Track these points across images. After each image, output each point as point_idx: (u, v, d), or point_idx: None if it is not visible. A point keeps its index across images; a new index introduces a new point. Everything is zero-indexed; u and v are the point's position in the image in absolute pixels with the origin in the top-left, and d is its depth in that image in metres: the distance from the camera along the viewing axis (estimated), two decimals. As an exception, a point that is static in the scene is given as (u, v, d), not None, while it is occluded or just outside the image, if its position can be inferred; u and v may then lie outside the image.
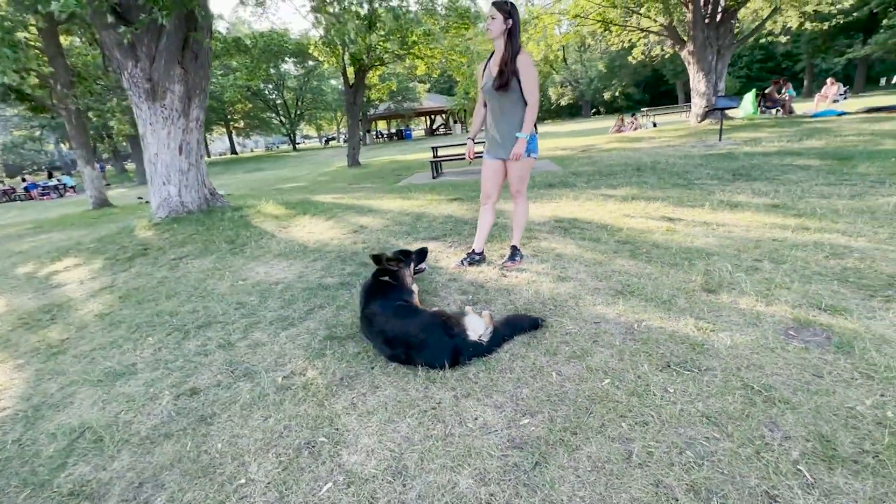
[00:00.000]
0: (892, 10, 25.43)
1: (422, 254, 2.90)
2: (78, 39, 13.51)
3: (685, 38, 14.19)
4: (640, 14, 15.39)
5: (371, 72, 16.05)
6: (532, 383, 1.88)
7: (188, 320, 2.88)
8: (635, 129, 16.13)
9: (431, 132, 40.26)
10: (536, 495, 1.35)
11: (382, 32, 11.95)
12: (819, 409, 1.56)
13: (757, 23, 15.85)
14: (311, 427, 1.75)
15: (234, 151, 44.31)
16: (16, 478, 1.66)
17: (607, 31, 17.39)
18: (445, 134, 37.47)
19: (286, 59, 17.67)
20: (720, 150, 8.21)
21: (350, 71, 14.48)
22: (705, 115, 13.61)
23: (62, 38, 11.46)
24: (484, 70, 3.01)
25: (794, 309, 2.22)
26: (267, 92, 37.92)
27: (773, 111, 14.44)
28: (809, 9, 14.89)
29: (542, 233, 3.98)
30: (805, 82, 34.04)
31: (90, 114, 15.34)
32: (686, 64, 14.48)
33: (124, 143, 29.59)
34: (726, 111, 11.48)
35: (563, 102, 47.58)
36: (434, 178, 9.69)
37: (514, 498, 1.35)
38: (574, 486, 1.36)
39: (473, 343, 2.05)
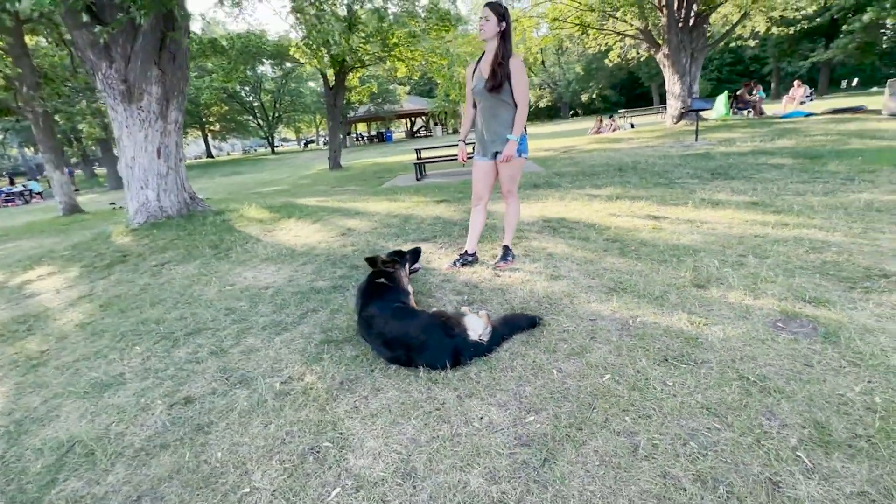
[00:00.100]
0: (850, 16, 26.65)
1: (416, 254, 2.89)
2: (44, 40, 12.99)
3: (660, 42, 14.57)
4: (617, 18, 15.73)
5: (351, 74, 15.95)
6: (534, 381, 1.89)
7: (176, 328, 2.80)
8: (614, 130, 16.46)
9: (412, 134, 40.21)
10: (548, 491, 1.36)
11: (363, 34, 11.89)
12: (812, 397, 1.62)
13: (727, 27, 16.39)
14: (313, 432, 1.72)
15: (210, 155, 43.29)
16: (2, 497, 1.58)
17: (585, 35, 17.71)
18: (426, 136, 37.48)
19: (264, 60, 17.36)
20: (697, 150, 8.44)
21: (330, 73, 14.35)
22: (681, 117, 13.99)
23: (27, 38, 11.01)
24: (474, 72, 3.02)
25: (781, 302, 2.30)
26: (243, 94, 37.21)
27: (745, 112, 14.94)
28: (776, 14, 15.51)
29: (531, 233, 4.01)
30: (772, 85, 35.32)
31: (57, 117, 14.77)
32: (661, 67, 14.86)
33: (94, 147, 28.60)
34: (701, 112, 11.81)
35: (542, 104, 48.14)
36: (418, 179, 9.67)
37: (525, 495, 1.35)
38: (584, 481, 1.38)
39: (474, 343, 2.05)
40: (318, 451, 1.62)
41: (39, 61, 12.14)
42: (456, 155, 9.51)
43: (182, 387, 2.14)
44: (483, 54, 2.97)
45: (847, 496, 1.23)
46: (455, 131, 37.50)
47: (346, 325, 2.57)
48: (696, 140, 9.77)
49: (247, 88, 36.45)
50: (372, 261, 2.53)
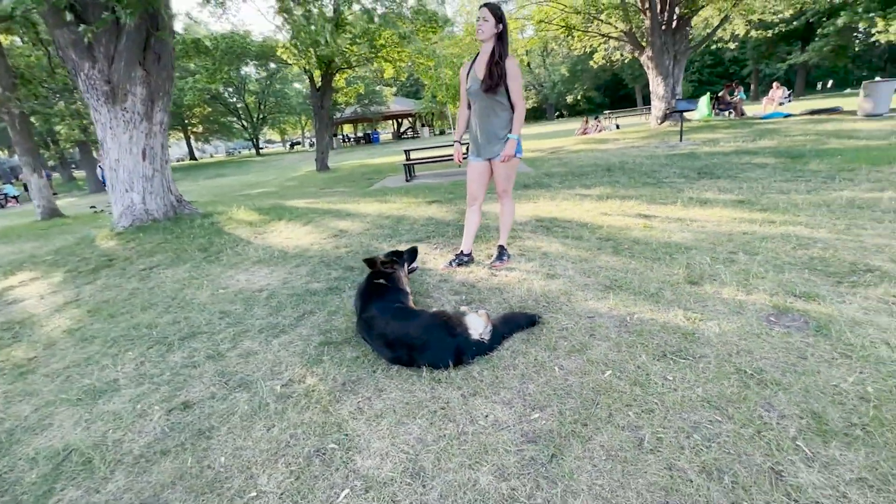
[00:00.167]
0: (825, 20, 27.48)
1: (413, 253, 2.89)
2: (20, 39, 12.63)
3: (644, 44, 14.80)
4: (601, 20, 15.93)
5: (338, 75, 15.86)
6: (537, 378, 1.91)
7: (170, 332, 2.75)
8: (600, 130, 16.67)
9: (399, 136, 40.12)
10: (557, 486, 1.37)
11: (350, 35, 11.84)
12: (808, 388, 1.66)
13: (708, 30, 16.75)
14: (318, 434, 1.71)
15: (192, 157, 42.53)
16: (-3, 508, 1.54)
17: (570, 37, 17.89)
18: (413, 137, 37.45)
19: (249, 61, 17.16)
20: (682, 150, 8.60)
21: (317, 74, 14.24)
22: (665, 117, 14.24)
23: (2, 38, 10.69)
24: (468, 72, 3.03)
25: (772, 297, 2.36)
26: (227, 95, 36.68)
27: (727, 113, 15.29)
28: (755, 17, 15.90)
29: (525, 232, 4.04)
30: (752, 86, 36.17)
31: (34, 118, 14.38)
32: (645, 69, 15.10)
33: (71, 150, 27.88)
34: (684, 113, 12.04)
35: (528, 105, 48.48)
36: (408, 181, 9.65)
37: (535, 490, 1.36)
38: (592, 475, 1.40)
39: (476, 342, 2.06)
40: (323, 453, 1.61)
41: (15, 61, 11.80)
42: (444, 156, 9.51)
43: (180, 392, 2.10)
44: (477, 55, 2.98)
45: (847, 482, 1.27)
46: (442, 132, 37.57)
47: (345, 326, 2.56)
48: (681, 140, 9.95)
49: (230, 89, 35.94)
50: (371, 262, 2.53)
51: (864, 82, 11.22)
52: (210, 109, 35.91)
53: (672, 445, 1.47)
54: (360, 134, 42.40)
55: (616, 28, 15.73)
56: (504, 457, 1.50)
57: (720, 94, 15.87)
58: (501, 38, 2.75)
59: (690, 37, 15.17)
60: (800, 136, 8.66)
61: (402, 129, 41.01)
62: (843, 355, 1.83)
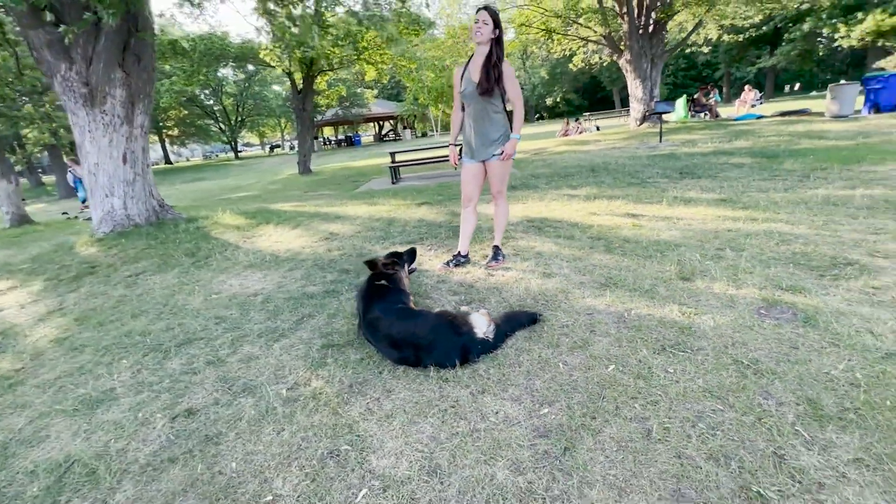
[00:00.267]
0: (791, 25, 28.64)
1: (412, 254, 2.90)
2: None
3: (622, 48, 15.14)
4: (580, 24, 16.23)
5: (320, 77, 15.74)
6: (542, 375, 1.95)
7: (164, 339, 2.69)
8: (581, 132, 16.95)
9: (380, 138, 39.97)
10: (572, 478, 1.41)
11: (331, 36, 11.77)
12: (801, 376, 1.75)
13: (683, 34, 17.24)
14: (330, 436, 1.70)
15: (168, 161, 41.45)
16: (-2, 523, 1.49)
17: (550, 40, 18.17)
18: (395, 140, 37.34)
19: (228, 63, 16.87)
20: (662, 150, 8.83)
21: (298, 76, 14.10)
22: (644, 119, 14.58)
23: (-34, 38, 10.24)
24: (462, 75, 3.06)
25: (761, 290, 2.46)
26: (203, 97, 35.90)
27: (702, 115, 15.75)
28: (727, 22, 16.44)
29: (517, 232, 4.10)
30: (724, 89, 37.38)
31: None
32: (624, 72, 15.44)
33: (39, 155, 26.86)
34: (662, 115, 12.36)
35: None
36: (394, 183, 9.64)
37: (552, 483, 1.40)
38: (605, 466, 1.44)
39: (481, 340, 2.09)
40: (337, 455, 1.61)
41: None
42: (431, 158, 9.51)
43: (181, 399, 2.06)
44: (471, 58, 3.02)
45: (845, 463, 1.35)
46: (424, 135, 37.57)
47: (346, 329, 2.55)
48: (661, 141, 10.21)
49: (207, 91, 35.20)
50: (372, 263, 2.53)
51: (830, 85, 11.73)
52: (186, 112, 35.08)
53: (679, 434, 1.53)
54: (341, 136, 42.06)
55: (595, 32, 16.05)
56: (518, 451, 1.53)
57: (696, 97, 16.35)
58: (499, 41, 2.80)
59: (666, 41, 15.60)
60: (773, 136, 9.00)
61: (383, 132, 40.85)
62: (831, 344, 1.92)
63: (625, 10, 14.11)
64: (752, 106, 15.90)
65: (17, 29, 5.62)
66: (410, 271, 2.87)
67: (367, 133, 48.15)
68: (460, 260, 3.31)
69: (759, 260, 2.87)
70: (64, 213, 12.45)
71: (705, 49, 21.62)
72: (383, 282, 2.47)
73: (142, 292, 3.64)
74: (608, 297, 2.59)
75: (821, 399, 1.61)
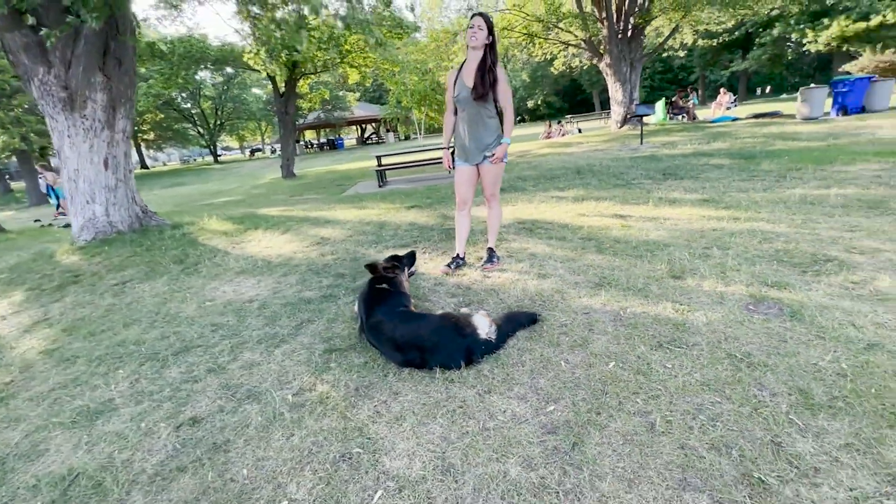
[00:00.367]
0: (762, 30, 29.67)
1: (412, 257, 2.93)
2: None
3: (602, 52, 15.45)
4: (561, 29, 16.50)
5: (302, 80, 15.61)
6: (545, 373, 2.00)
7: (160, 347, 2.65)
8: (563, 134, 17.22)
9: (363, 141, 39.79)
10: (583, 472, 1.45)
11: (314, 39, 11.69)
12: (792, 368, 1.84)
13: (660, 39, 17.69)
14: (340, 440, 1.72)
15: (144, 165, 40.42)
16: (4, 540, 1.46)
17: (531, 44, 18.42)
18: (378, 143, 37.23)
19: (208, 66, 16.60)
20: (644, 152, 9.05)
21: (280, 79, 13.96)
22: (624, 121, 14.90)
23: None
24: (455, 80, 3.10)
25: (748, 287, 2.56)
26: (180, 101, 35.15)
27: (680, 117, 16.18)
28: (702, 28, 16.94)
29: (509, 234, 4.16)
30: (699, 91, 38.44)
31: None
32: (604, 75, 15.75)
33: (6, 161, 25.86)
34: (642, 117, 12.67)
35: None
36: (381, 186, 9.63)
37: (563, 477, 1.44)
38: (613, 460, 1.49)
39: (484, 341, 2.13)
40: (349, 458, 1.62)
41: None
42: (419, 161, 9.52)
43: (184, 407, 2.04)
44: (463, 63, 3.06)
45: (838, 448, 1.43)
46: (407, 138, 37.53)
47: (347, 333, 2.56)
48: (642, 143, 10.46)
49: (184, 95, 34.47)
50: (372, 267, 2.55)
51: (801, 88, 12.20)
52: (162, 116, 34.31)
53: (681, 426, 1.59)
54: (322, 140, 41.71)
55: (575, 36, 16.34)
56: (528, 448, 1.58)
57: (674, 100, 16.79)
58: (493, 47, 2.85)
59: (644, 45, 15.98)
60: (749, 138, 9.31)
61: (366, 135, 40.69)
62: (817, 337, 2.03)
63: (604, 15, 14.40)
64: (727, 108, 16.42)
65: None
66: (410, 274, 2.90)
67: (350, 136, 47.89)
68: (459, 262, 3.35)
69: (745, 258, 2.98)
70: (37, 221, 12.03)
71: (681, 53, 22.22)
72: (384, 285, 2.49)
73: (131, 301, 3.57)
74: (603, 296, 2.66)
75: (811, 389, 1.70)
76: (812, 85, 12.71)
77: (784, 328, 2.12)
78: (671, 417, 1.64)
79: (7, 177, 29.48)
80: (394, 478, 1.51)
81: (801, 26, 25.43)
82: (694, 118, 15.65)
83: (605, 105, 17.85)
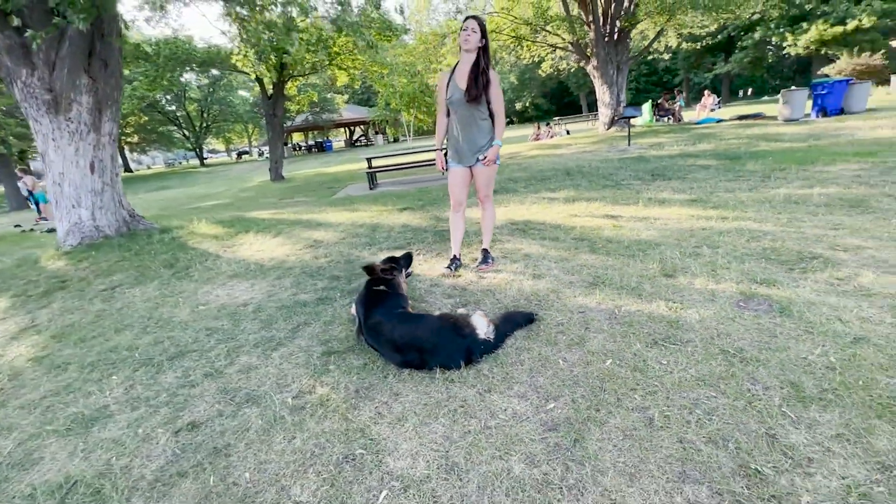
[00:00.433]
0: (744, 34, 30.33)
1: (408, 259, 2.94)
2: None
3: (589, 55, 15.64)
4: (549, 31, 16.66)
5: (290, 83, 15.52)
6: (544, 372, 2.02)
7: (154, 353, 2.62)
8: (552, 136, 17.38)
9: (352, 143, 39.66)
10: (585, 468, 1.48)
11: (303, 41, 11.64)
12: (782, 362, 1.89)
13: (645, 42, 17.98)
14: (343, 441, 1.72)
15: (128, 169, 39.72)
16: (1, 550, 1.43)
17: (519, 46, 18.56)
18: (367, 145, 37.14)
19: (195, 67, 16.41)
20: (632, 154, 9.18)
21: (267, 81, 13.87)
22: (612, 123, 15.09)
23: None
24: (448, 82, 3.12)
25: (738, 284, 2.63)
26: (165, 103, 34.65)
27: (666, 119, 16.45)
28: (686, 31, 17.26)
29: (502, 235, 4.19)
30: (683, 93, 39.13)
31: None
32: (592, 77, 15.95)
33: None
34: (629, 119, 12.86)
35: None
36: (371, 189, 9.62)
37: (566, 473, 1.47)
38: (614, 455, 1.52)
39: (483, 341, 2.15)
40: (353, 459, 1.63)
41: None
42: (406, 164, 9.56)
43: (182, 412, 2.02)
44: (456, 65, 3.09)
45: (829, 438, 1.48)
46: (396, 140, 37.50)
47: (345, 335, 2.56)
48: (629, 145, 10.61)
49: (168, 97, 34.00)
50: (370, 269, 2.55)
51: (782, 91, 12.49)
52: (146, 118, 33.78)
53: (679, 421, 1.63)
54: (311, 142, 41.47)
55: (563, 39, 16.50)
56: (530, 445, 1.60)
57: (660, 102, 17.05)
58: (486, 50, 2.88)
59: (630, 48, 16.22)
60: (733, 139, 9.51)
61: (355, 137, 40.56)
62: (806, 332, 2.09)
63: (591, 18, 14.59)
64: (712, 110, 16.74)
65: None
66: (407, 275, 2.90)
67: (338, 138, 47.68)
68: (457, 263, 3.37)
69: (734, 256, 3.05)
70: (17, 226, 11.75)
71: (666, 56, 22.64)
72: (382, 287, 2.49)
73: (122, 306, 3.52)
74: (598, 295, 2.70)
75: (802, 382, 1.75)
76: (793, 87, 13.02)
77: (774, 324, 2.18)
78: (669, 412, 1.68)
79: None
80: (398, 478, 1.52)
81: (782, 30, 26.08)
82: (680, 120, 15.92)
83: (593, 107, 18.08)
